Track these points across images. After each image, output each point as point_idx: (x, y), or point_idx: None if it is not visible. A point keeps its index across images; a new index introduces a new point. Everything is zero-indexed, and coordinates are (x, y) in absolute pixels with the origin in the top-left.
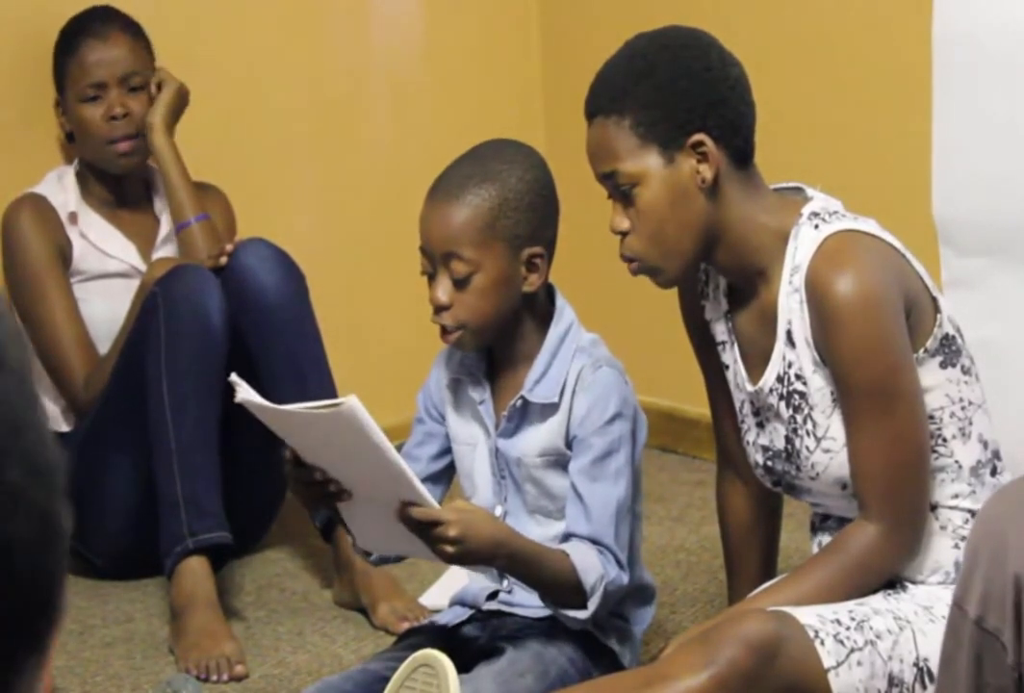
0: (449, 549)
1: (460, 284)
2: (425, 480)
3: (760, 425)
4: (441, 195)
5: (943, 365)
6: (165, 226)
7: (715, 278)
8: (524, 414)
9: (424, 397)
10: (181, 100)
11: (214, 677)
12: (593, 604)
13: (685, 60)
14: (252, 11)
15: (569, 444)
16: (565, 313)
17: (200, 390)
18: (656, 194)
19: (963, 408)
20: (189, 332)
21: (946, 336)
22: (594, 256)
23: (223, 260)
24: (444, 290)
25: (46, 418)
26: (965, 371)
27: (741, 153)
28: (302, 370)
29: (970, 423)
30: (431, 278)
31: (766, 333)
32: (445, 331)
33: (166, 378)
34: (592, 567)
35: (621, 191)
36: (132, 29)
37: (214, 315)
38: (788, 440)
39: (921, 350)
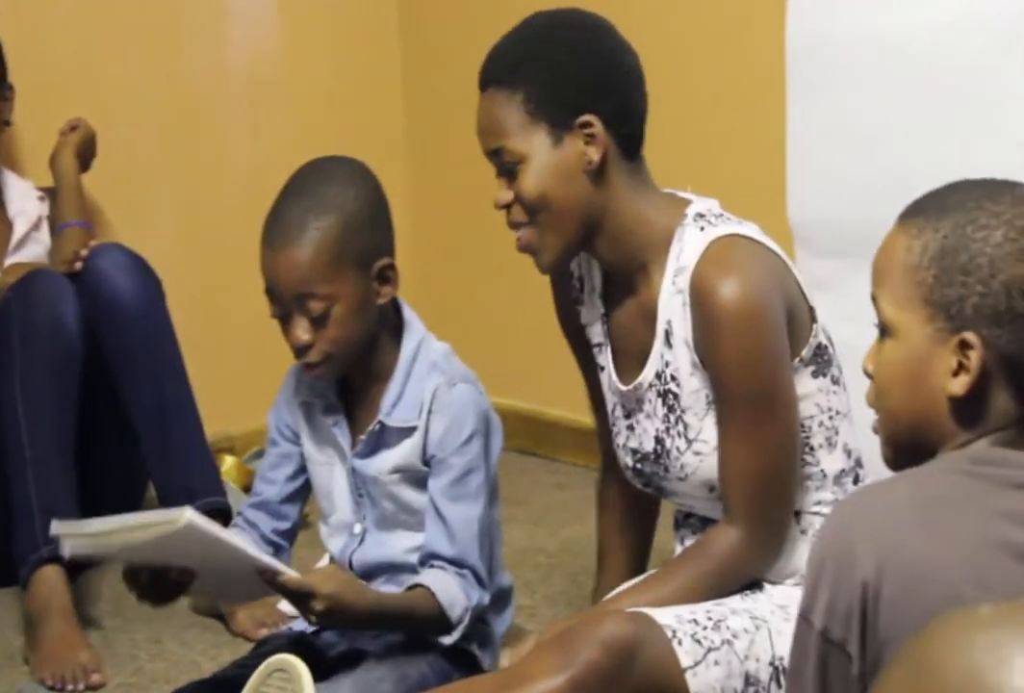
0: (315, 618)
1: (319, 321)
2: (282, 502)
3: (630, 428)
4: (282, 238)
5: (815, 375)
6: (18, 230)
7: (590, 281)
8: (381, 436)
9: (275, 418)
10: (92, 140)
11: (70, 686)
12: (458, 632)
13: (583, 42)
14: (108, 9)
15: (425, 462)
16: (414, 326)
17: (55, 396)
18: (540, 173)
19: (831, 418)
20: (44, 338)
21: (819, 345)
22: (450, 262)
23: (78, 266)
24: (304, 329)
25: None
26: (835, 381)
27: (630, 143)
28: (158, 374)
29: (836, 433)
30: (284, 320)
31: (645, 330)
32: (309, 365)
33: (20, 384)
34: (457, 601)
35: (506, 168)
36: None
37: (69, 320)
38: (658, 440)
39: (796, 359)
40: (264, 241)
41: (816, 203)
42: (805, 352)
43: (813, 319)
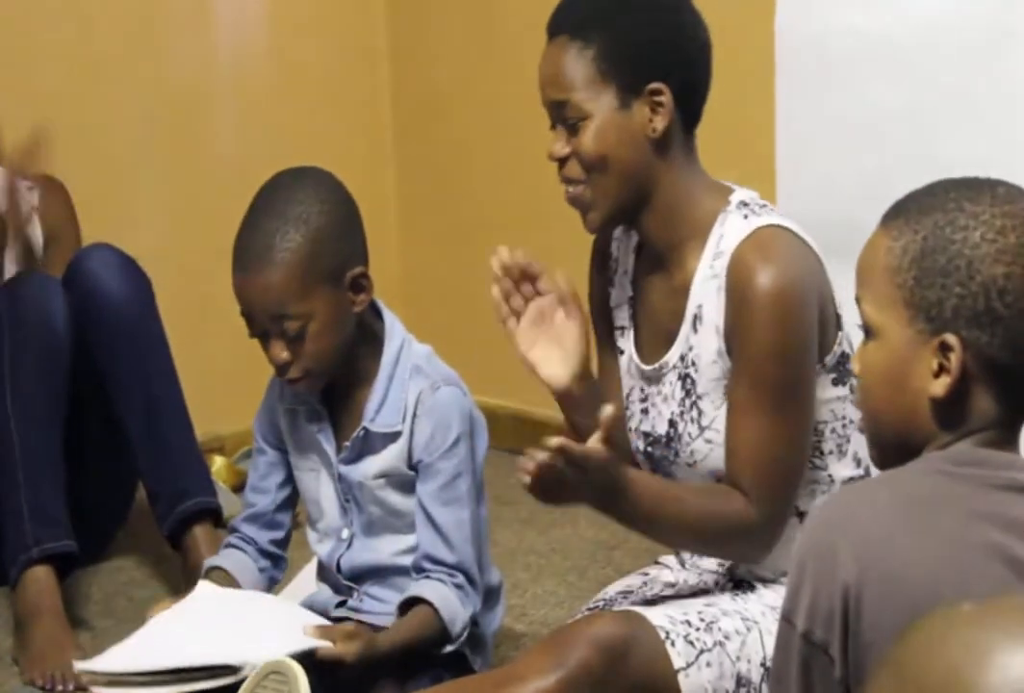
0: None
1: (296, 338)
2: (276, 511)
3: (644, 411)
4: (251, 262)
5: (835, 382)
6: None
7: (624, 263)
8: (366, 441)
9: (260, 425)
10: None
11: (60, 687)
12: (458, 642)
13: (664, 10)
14: (94, 5)
15: (412, 466)
16: (395, 328)
17: (44, 395)
18: (604, 133)
19: (844, 426)
20: (32, 337)
21: (843, 354)
22: (439, 261)
23: None
24: (282, 348)
25: None
26: (853, 390)
27: (691, 118)
28: (148, 374)
29: (848, 441)
30: (262, 338)
31: (673, 313)
32: (291, 381)
33: (9, 383)
34: (458, 617)
35: (568, 122)
36: None
37: (57, 320)
38: (672, 424)
39: (819, 365)
40: (234, 265)
41: (807, 201)
42: (829, 359)
43: (839, 327)
